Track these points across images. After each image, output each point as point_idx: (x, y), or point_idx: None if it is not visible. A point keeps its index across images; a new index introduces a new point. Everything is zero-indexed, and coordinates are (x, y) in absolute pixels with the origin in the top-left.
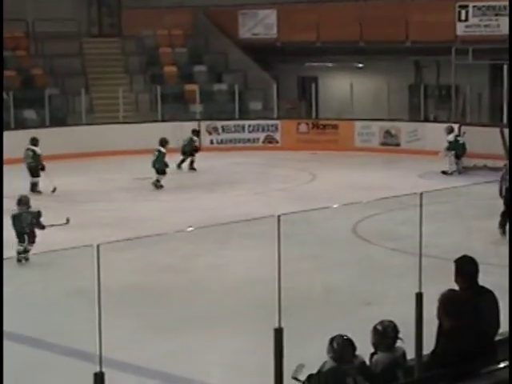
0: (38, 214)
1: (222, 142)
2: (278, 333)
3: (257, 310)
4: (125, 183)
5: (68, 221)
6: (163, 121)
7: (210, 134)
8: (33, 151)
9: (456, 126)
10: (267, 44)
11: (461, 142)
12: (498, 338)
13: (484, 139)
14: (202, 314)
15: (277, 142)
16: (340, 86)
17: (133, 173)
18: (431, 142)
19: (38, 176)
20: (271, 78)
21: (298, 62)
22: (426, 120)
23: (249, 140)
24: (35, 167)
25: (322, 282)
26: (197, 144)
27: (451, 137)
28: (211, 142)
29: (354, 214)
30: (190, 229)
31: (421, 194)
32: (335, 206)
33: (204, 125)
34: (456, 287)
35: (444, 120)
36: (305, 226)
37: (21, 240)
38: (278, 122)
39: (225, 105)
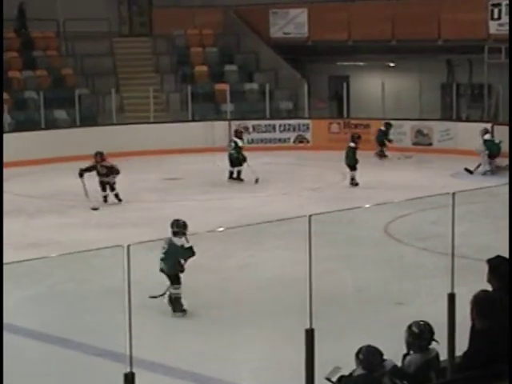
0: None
1: (252, 141)
2: (310, 334)
3: (288, 310)
4: (155, 183)
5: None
6: (193, 120)
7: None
8: (235, 142)
9: (489, 126)
10: (298, 43)
11: (496, 141)
12: None
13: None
14: (233, 313)
15: (308, 142)
16: (371, 85)
17: (163, 173)
18: (463, 142)
19: (237, 166)
20: (302, 77)
21: (329, 61)
22: (459, 119)
23: (280, 140)
24: (236, 158)
25: (353, 281)
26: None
27: (487, 136)
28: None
29: (386, 214)
30: (221, 229)
31: (453, 194)
32: (367, 205)
33: (234, 124)
34: (489, 288)
35: (476, 119)
36: (336, 225)
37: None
38: (309, 121)
39: (255, 104)
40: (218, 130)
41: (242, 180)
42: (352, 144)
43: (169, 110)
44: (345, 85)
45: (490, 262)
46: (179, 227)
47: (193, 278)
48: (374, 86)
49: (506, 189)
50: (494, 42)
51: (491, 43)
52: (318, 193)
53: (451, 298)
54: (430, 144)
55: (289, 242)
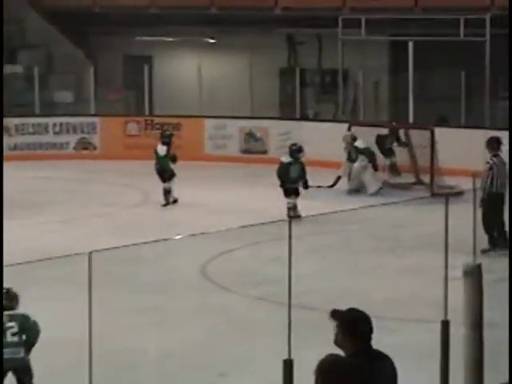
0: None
1: (15, 147)
2: None
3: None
4: None
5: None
6: None
7: None
8: None
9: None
10: (80, 9)
11: (371, 149)
12: None
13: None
14: None
15: (94, 149)
16: (184, 69)
17: None
18: (310, 149)
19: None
20: (87, 57)
21: (124, 35)
22: (304, 118)
23: (55, 145)
24: None
25: (159, 343)
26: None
27: (361, 143)
28: None
29: (204, 249)
30: None
31: (290, 220)
32: (177, 236)
33: None
34: (340, 351)
35: (328, 118)
36: (134, 265)
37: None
38: (96, 119)
39: (20, 95)
40: None
41: None
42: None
43: None
44: (146, 68)
45: (342, 316)
46: None
47: None
48: (188, 71)
49: (370, 212)
50: (351, 11)
51: (347, 13)
52: (111, 219)
53: (288, 365)
54: (265, 152)
55: (64, 290)
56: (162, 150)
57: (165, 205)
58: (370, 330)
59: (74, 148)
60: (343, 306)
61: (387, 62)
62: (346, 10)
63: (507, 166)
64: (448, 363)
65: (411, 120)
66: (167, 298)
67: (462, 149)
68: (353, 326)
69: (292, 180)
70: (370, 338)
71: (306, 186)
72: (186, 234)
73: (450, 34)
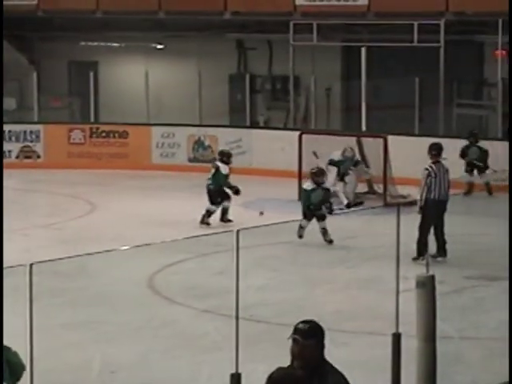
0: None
1: None
2: None
3: None
4: None
5: None
6: None
7: None
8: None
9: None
10: (24, 13)
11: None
12: None
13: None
14: None
15: (38, 157)
16: (131, 75)
17: None
18: (260, 157)
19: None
20: (30, 63)
21: (69, 40)
22: (254, 125)
23: None
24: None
25: (103, 359)
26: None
27: (337, 154)
28: None
29: (151, 261)
30: None
31: (237, 231)
32: (123, 248)
33: None
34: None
35: (279, 126)
36: (78, 278)
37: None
38: (39, 127)
39: None
40: None
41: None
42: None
43: None
44: (92, 74)
45: (296, 330)
46: None
47: None
48: (135, 77)
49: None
50: (303, 16)
51: (299, 18)
52: (54, 231)
53: (236, 379)
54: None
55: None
56: (224, 168)
57: (205, 223)
58: (321, 341)
59: (17, 156)
60: (293, 319)
61: (340, 69)
62: (297, 15)
63: (448, 174)
64: (399, 376)
65: (364, 128)
66: (112, 312)
67: (415, 157)
68: (300, 335)
69: (315, 205)
70: (320, 351)
71: (330, 211)
72: (132, 245)
73: (404, 40)
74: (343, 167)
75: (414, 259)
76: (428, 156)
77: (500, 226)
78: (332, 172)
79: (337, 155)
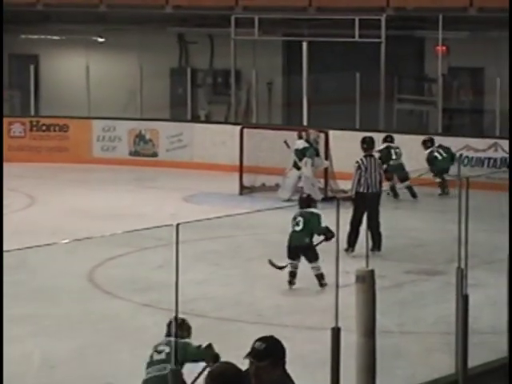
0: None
1: None
2: None
3: None
4: None
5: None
6: None
7: None
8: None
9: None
10: None
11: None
12: None
13: (275, 147)
14: None
15: None
16: (71, 68)
17: None
18: (202, 151)
19: None
20: None
21: (9, 32)
22: (195, 119)
23: None
24: None
25: (43, 353)
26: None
27: (301, 142)
28: None
29: (91, 255)
30: None
31: (177, 225)
32: (64, 241)
33: None
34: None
35: (220, 120)
36: (16, 272)
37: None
38: None
39: None
40: None
41: None
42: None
43: None
44: (32, 67)
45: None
46: None
47: None
48: (75, 71)
49: (260, 217)
50: (245, 11)
51: (240, 12)
52: None
53: (175, 374)
54: (155, 154)
55: None
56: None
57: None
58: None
59: None
60: (233, 313)
61: (281, 63)
62: (238, 9)
63: (381, 167)
64: (339, 371)
65: (305, 123)
66: (51, 306)
67: (356, 152)
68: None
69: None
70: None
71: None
72: (72, 239)
73: (345, 35)
74: (309, 153)
75: (346, 250)
76: (361, 150)
77: (437, 220)
78: (308, 164)
79: (300, 143)
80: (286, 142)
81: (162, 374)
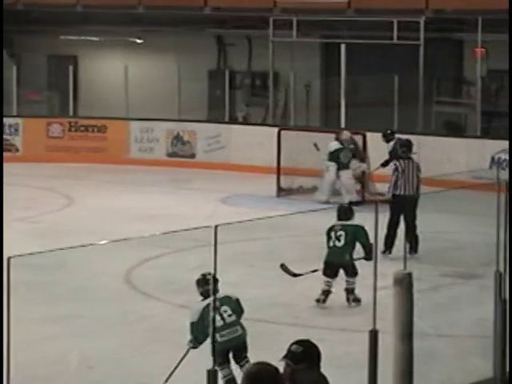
0: None
1: None
2: None
3: None
4: None
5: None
6: None
7: None
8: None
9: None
10: (4, 6)
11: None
12: None
13: (313, 149)
14: None
15: (17, 150)
16: (110, 69)
17: None
18: (239, 153)
19: None
20: (10, 56)
21: (48, 34)
22: (233, 121)
23: None
24: None
25: (81, 353)
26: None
27: (334, 144)
28: None
29: (128, 256)
30: None
31: (215, 227)
32: (101, 242)
33: None
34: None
35: (258, 122)
36: (55, 272)
37: None
38: (18, 120)
39: None
40: None
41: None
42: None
43: None
44: (71, 68)
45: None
46: None
47: None
48: (114, 72)
49: (297, 219)
50: (283, 12)
51: (278, 14)
52: (31, 224)
53: (212, 375)
54: (193, 156)
55: None
56: None
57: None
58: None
59: None
60: (269, 315)
61: (319, 65)
62: (276, 11)
63: (419, 170)
64: (376, 374)
65: (343, 125)
66: (89, 306)
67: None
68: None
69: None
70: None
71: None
72: (110, 239)
73: (384, 37)
74: (343, 155)
75: (383, 253)
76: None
77: (474, 223)
78: (331, 170)
79: (333, 144)
80: (315, 144)
81: (236, 336)
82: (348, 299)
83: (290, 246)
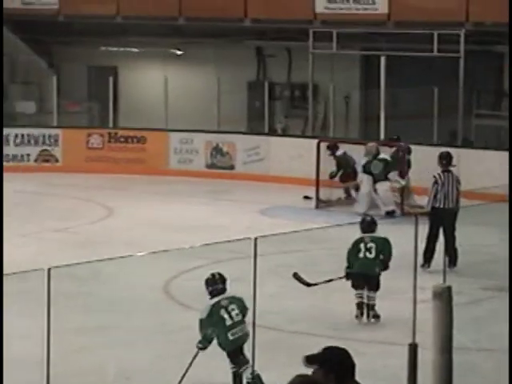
0: None
1: None
2: None
3: None
4: None
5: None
6: None
7: None
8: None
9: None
10: (44, 18)
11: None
12: None
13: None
14: None
15: (56, 161)
16: (150, 81)
17: None
18: (278, 165)
19: None
20: (50, 67)
21: (89, 45)
22: (272, 133)
23: (15, 157)
24: None
25: (117, 364)
26: None
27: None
28: None
29: (167, 267)
30: None
31: (255, 239)
32: (140, 254)
33: None
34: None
35: (297, 134)
36: (92, 283)
37: None
38: (58, 131)
39: None
40: None
41: None
42: None
43: None
44: (111, 79)
45: (322, 358)
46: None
47: None
48: (154, 83)
49: (335, 231)
50: (323, 24)
51: (318, 26)
52: (69, 235)
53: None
54: (232, 167)
55: (20, 308)
56: None
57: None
58: (353, 365)
59: (35, 160)
60: (307, 327)
61: (358, 77)
62: (316, 23)
63: (459, 183)
64: None
65: (382, 137)
66: (127, 317)
67: (433, 167)
68: (336, 365)
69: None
70: (354, 373)
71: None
72: (148, 251)
73: (424, 50)
74: (373, 167)
75: (422, 266)
76: (438, 165)
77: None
78: (365, 182)
79: (363, 159)
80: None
81: (244, 334)
82: (368, 315)
83: (327, 258)
